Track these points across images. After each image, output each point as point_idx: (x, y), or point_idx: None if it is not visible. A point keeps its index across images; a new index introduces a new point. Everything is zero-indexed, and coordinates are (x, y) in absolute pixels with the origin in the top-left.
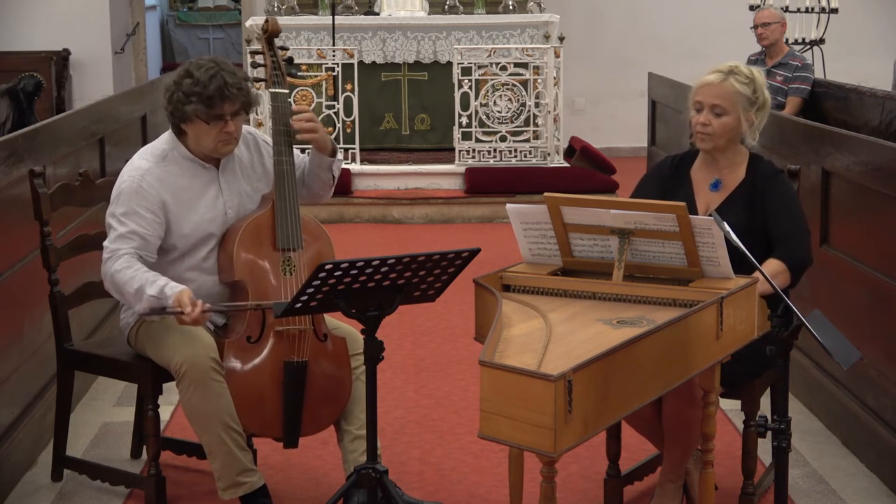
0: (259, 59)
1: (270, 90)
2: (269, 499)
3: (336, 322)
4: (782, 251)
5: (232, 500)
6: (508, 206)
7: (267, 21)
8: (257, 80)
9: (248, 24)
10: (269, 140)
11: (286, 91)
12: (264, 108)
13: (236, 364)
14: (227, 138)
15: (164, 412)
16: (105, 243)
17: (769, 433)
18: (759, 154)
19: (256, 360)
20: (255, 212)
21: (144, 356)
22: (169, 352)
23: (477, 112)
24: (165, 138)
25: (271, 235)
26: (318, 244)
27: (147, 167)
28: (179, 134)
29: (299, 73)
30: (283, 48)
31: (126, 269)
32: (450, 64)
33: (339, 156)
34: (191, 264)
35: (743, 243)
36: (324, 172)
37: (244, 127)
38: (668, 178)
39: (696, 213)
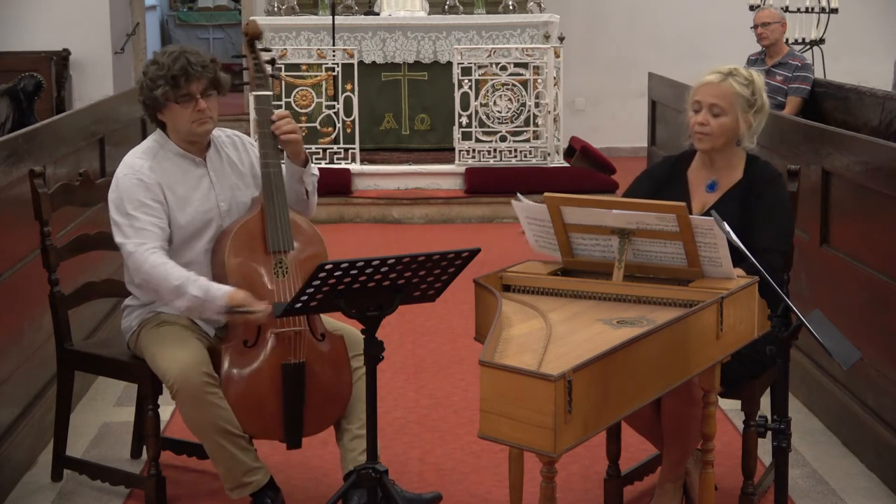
0: (244, 62)
1: (253, 93)
2: (277, 491)
3: (337, 324)
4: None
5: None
6: (514, 202)
7: (247, 24)
8: (243, 83)
9: None
10: (255, 143)
11: (270, 93)
12: None
13: (234, 369)
14: (201, 117)
15: (164, 412)
16: (121, 240)
17: (769, 433)
18: (757, 155)
19: (254, 364)
20: (244, 216)
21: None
22: (162, 366)
23: (477, 112)
24: (153, 137)
25: (262, 239)
26: (309, 244)
27: (140, 164)
28: (161, 128)
29: (299, 74)
30: (266, 50)
31: (163, 264)
32: (450, 64)
33: (313, 169)
34: (189, 258)
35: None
36: (296, 183)
37: (229, 130)
38: (663, 176)
39: (691, 213)
